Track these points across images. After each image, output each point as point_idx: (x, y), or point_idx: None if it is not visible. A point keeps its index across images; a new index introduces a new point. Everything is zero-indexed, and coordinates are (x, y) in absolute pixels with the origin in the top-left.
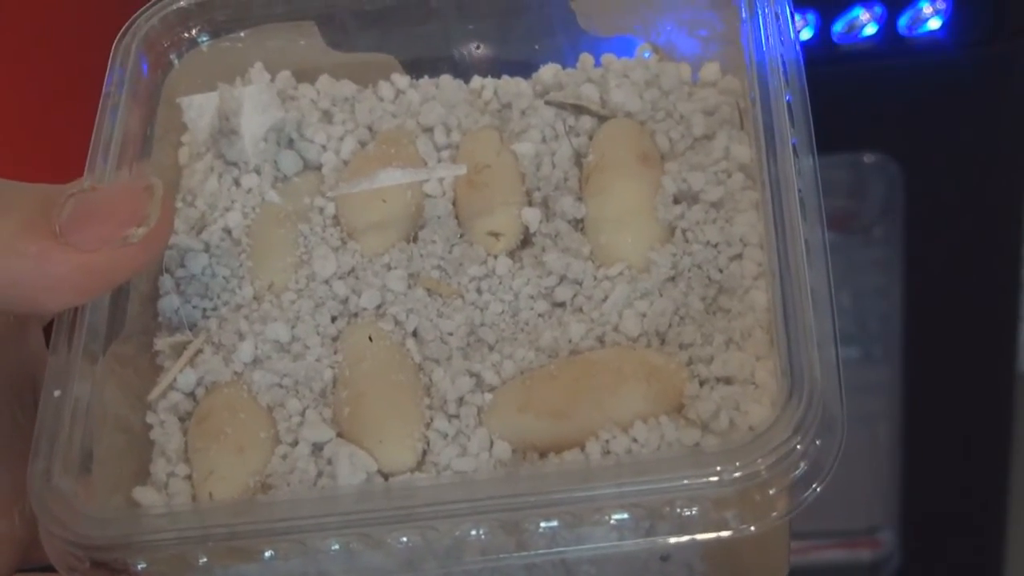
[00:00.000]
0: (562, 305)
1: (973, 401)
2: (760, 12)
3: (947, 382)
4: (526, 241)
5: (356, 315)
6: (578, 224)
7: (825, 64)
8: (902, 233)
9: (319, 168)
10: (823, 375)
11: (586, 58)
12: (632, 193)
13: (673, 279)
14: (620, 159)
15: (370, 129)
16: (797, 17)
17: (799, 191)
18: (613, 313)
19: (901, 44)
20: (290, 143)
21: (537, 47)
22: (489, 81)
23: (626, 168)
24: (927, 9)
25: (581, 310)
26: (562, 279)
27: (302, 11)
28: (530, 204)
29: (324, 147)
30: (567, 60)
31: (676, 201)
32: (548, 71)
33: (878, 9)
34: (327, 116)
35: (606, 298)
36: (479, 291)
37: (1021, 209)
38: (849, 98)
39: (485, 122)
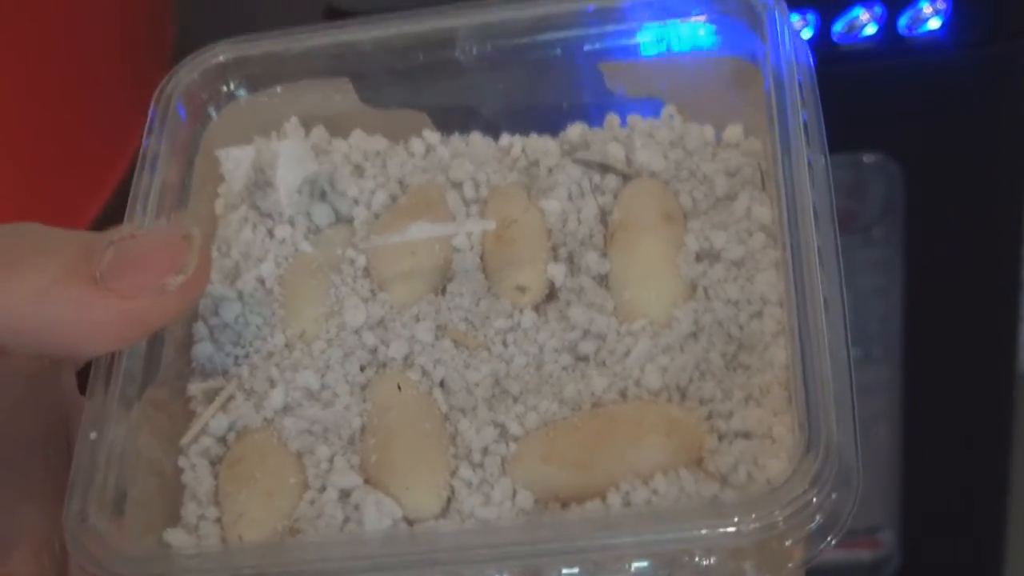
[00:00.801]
0: (585, 359)
1: (973, 401)
2: (784, 83)
3: (947, 382)
4: (551, 296)
5: (384, 365)
6: (602, 280)
7: (825, 64)
8: (902, 233)
9: (351, 221)
10: (839, 430)
11: (612, 118)
12: (655, 250)
13: (694, 335)
14: (644, 217)
15: (401, 183)
16: (796, 17)
17: (818, 248)
18: (635, 367)
19: (901, 44)
20: (323, 196)
21: (565, 106)
22: (517, 139)
23: (650, 226)
24: (927, 9)
25: (604, 364)
26: (586, 333)
27: (337, 68)
28: (556, 259)
29: (356, 200)
30: (594, 120)
31: (698, 259)
32: (575, 130)
33: (878, 9)
34: (359, 170)
35: (628, 353)
36: (505, 343)
37: (1021, 209)
38: (849, 98)
39: (513, 179)
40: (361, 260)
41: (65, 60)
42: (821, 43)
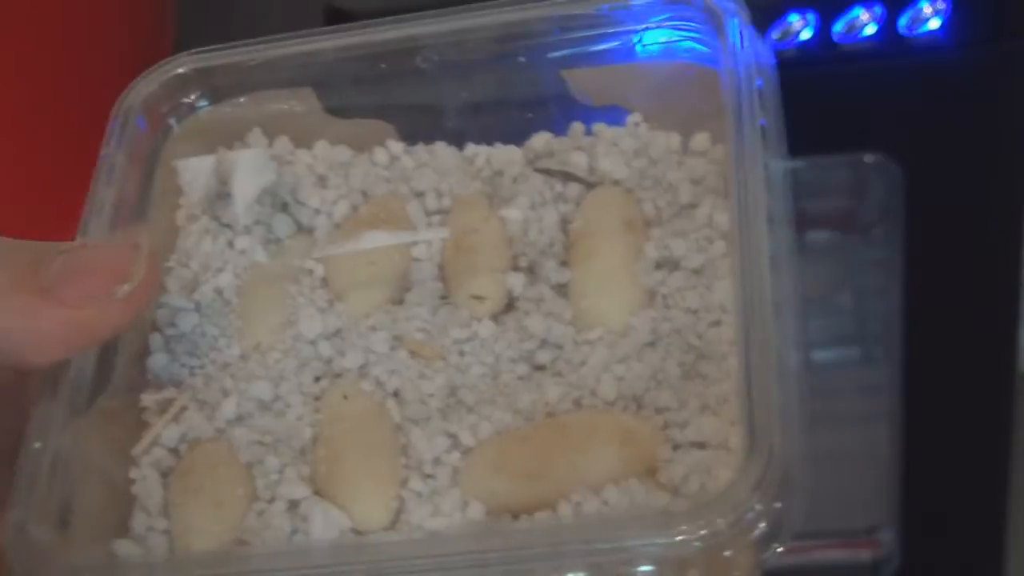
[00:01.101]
0: (543, 368)
1: (973, 401)
2: (741, 88)
3: (947, 382)
4: (510, 305)
5: (340, 375)
6: (562, 289)
7: (825, 64)
8: (902, 233)
9: (312, 231)
10: (783, 437)
11: (577, 126)
12: (614, 259)
13: (652, 344)
14: (604, 226)
15: (364, 194)
16: (796, 17)
17: (772, 257)
18: (591, 377)
19: (901, 44)
20: (284, 206)
21: (530, 115)
22: (482, 148)
23: (609, 235)
24: (927, 9)
25: (560, 374)
26: (543, 343)
27: (301, 78)
28: (516, 269)
29: (318, 211)
30: (559, 128)
31: (658, 267)
32: (540, 139)
33: (878, 9)
34: (322, 180)
35: (585, 362)
36: (461, 353)
37: (1021, 209)
38: (849, 98)
39: (476, 188)
40: (319, 270)
41: (65, 61)
42: (821, 43)
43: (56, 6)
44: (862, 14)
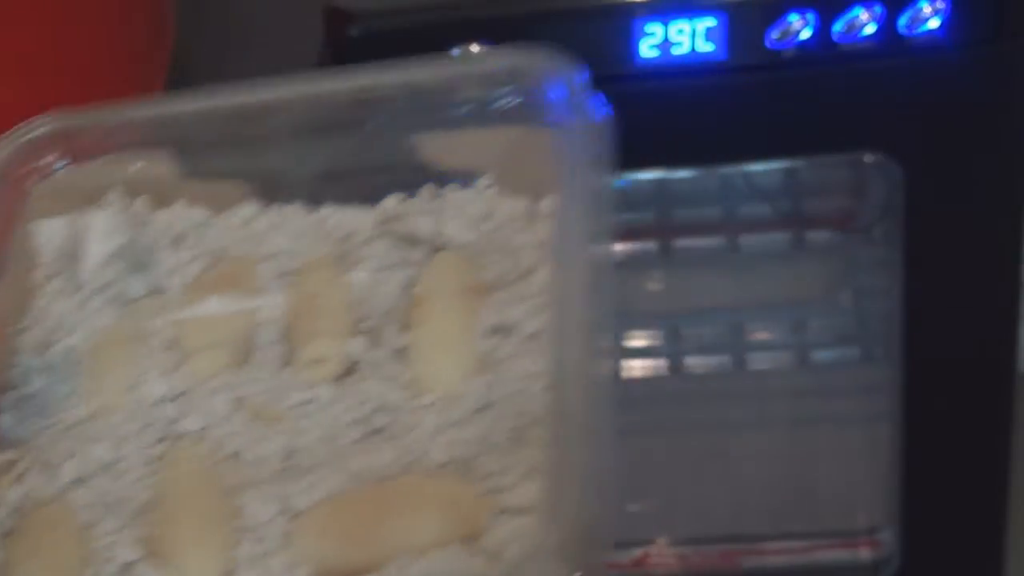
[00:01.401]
0: (379, 432)
1: (973, 401)
2: (568, 150)
3: (947, 382)
4: (352, 369)
5: (181, 437)
6: (402, 353)
7: (825, 64)
8: (902, 233)
9: (164, 292)
10: (587, 508)
11: (427, 190)
12: (450, 324)
13: (484, 409)
14: (443, 290)
15: (217, 255)
16: (796, 17)
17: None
18: (423, 441)
19: (901, 44)
20: (138, 267)
21: (383, 179)
22: (334, 211)
23: (447, 299)
24: (927, 9)
25: (395, 437)
26: (380, 407)
27: (160, 139)
28: (358, 333)
29: (172, 271)
30: (411, 191)
31: (494, 333)
32: (391, 201)
33: (878, 9)
34: (178, 241)
35: (418, 426)
36: (300, 416)
37: (1021, 209)
38: (849, 98)
39: (326, 250)
40: (168, 332)
41: (66, 63)
42: (821, 43)
43: (56, 7)
44: (862, 14)
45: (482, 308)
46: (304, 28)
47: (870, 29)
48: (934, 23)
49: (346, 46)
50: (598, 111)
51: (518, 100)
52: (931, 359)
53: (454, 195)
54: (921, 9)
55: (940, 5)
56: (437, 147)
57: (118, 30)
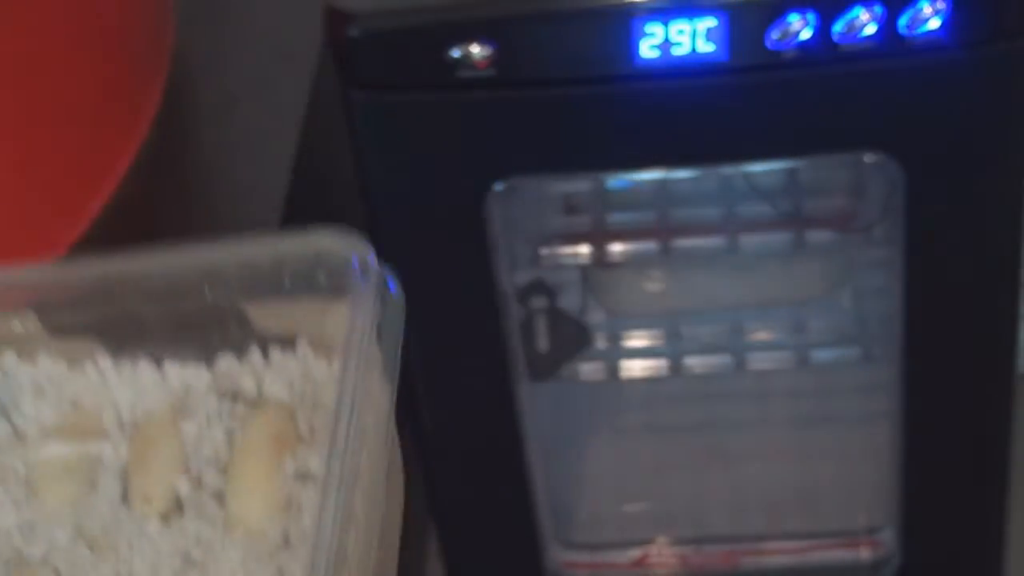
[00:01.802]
0: (194, 564)
1: (973, 401)
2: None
3: (947, 382)
4: (179, 507)
5: (27, 564)
6: (219, 495)
7: (825, 64)
8: (902, 233)
9: (25, 436)
10: None
11: (254, 352)
12: (260, 471)
13: (285, 545)
14: (258, 442)
15: (73, 403)
16: (796, 17)
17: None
18: (229, 573)
19: (901, 44)
20: (3, 412)
21: (217, 340)
22: (176, 368)
23: (260, 449)
24: (927, 9)
25: (207, 570)
26: (197, 542)
27: (24, 301)
28: (185, 476)
29: (32, 418)
30: (242, 353)
31: (297, 478)
32: (224, 362)
33: (878, 9)
34: (40, 391)
35: (227, 560)
36: (130, 547)
37: (1021, 209)
38: (849, 98)
39: (167, 402)
40: (22, 469)
41: (66, 63)
42: (821, 43)
43: (57, 8)
44: (862, 14)
45: (289, 457)
46: (304, 28)
47: (870, 29)
48: (934, 23)
49: (346, 46)
50: (389, 285)
51: (327, 276)
52: (931, 359)
53: (278, 357)
54: (921, 9)
55: (940, 5)
56: (265, 315)
57: (118, 30)
